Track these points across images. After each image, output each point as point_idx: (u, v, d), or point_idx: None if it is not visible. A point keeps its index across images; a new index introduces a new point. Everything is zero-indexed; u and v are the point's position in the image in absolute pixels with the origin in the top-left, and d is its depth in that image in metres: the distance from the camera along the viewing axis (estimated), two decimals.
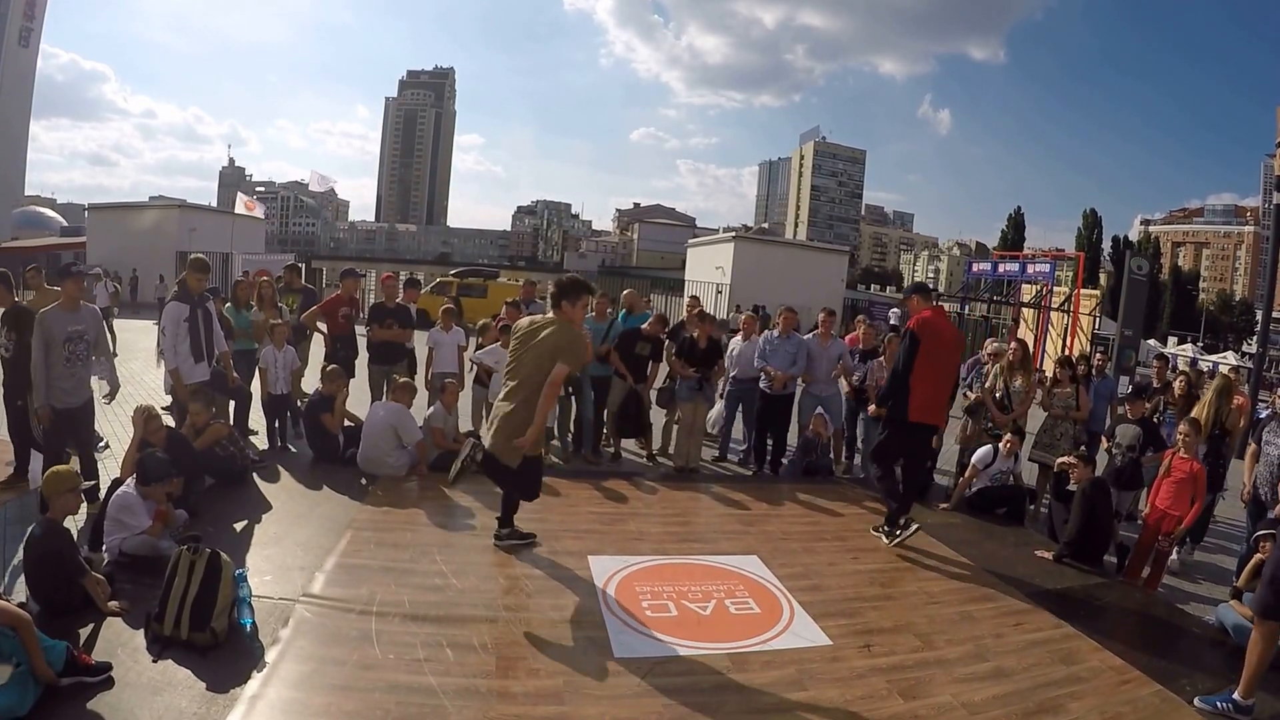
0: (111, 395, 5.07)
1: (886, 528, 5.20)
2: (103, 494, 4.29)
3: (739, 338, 7.23)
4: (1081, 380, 6.73)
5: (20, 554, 3.54)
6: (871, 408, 5.32)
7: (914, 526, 5.09)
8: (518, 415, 4.07)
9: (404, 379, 6.24)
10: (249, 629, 3.25)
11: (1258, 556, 4.28)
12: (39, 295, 6.21)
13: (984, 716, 3.08)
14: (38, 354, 4.48)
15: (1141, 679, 3.51)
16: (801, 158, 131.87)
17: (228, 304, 6.95)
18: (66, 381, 4.56)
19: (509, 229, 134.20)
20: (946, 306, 29.44)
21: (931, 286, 6.90)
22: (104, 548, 3.87)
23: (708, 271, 27.99)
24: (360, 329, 7.31)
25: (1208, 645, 4.08)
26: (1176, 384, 6.75)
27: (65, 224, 46.77)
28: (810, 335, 7.17)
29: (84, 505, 4.13)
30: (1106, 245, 75.15)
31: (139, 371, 10.11)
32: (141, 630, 3.16)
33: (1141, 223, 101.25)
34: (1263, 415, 6.67)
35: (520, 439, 4.04)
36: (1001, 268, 26.40)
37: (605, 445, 7.14)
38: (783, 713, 3.01)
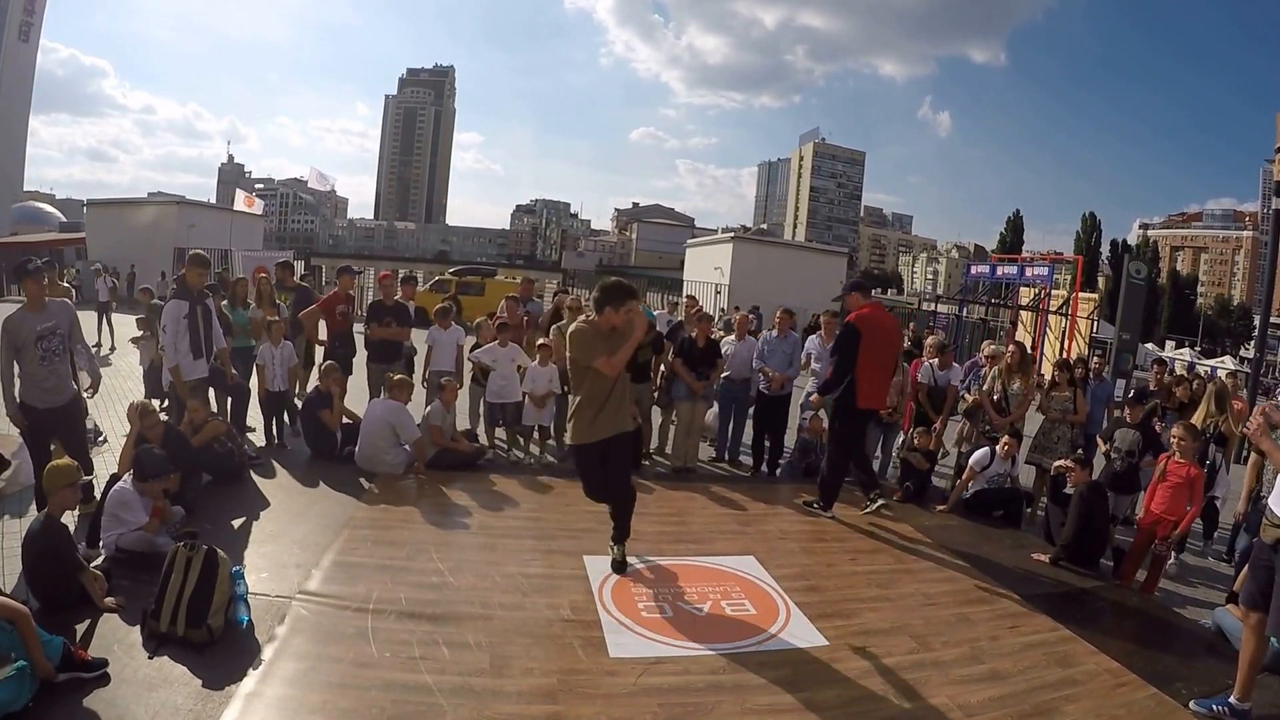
0: (94, 387, 4.94)
1: (870, 501, 5.63)
2: (99, 490, 4.28)
3: (731, 337, 7.23)
4: (1079, 383, 6.74)
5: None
6: (813, 396, 5.83)
7: (880, 502, 5.52)
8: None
9: (399, 376, 6.22)
10: (245, 626, 3.26)
11: None
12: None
13: (980, 718, 3.09)
14: (4, 360, 4.33)
15: (1137, 682, 3.51)
16: (801, 159, 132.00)
17: (225, 301, 6.94)
18: (48, 380, 4.41)
19: (508, 228, 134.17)
20: (944, 309, 29.59)
21: (872, 285, 7.29)
22: (101, 543, 3.87)
23: (706, 272, 27.95)
24: (359, 327, 7.31)
25: (1204, 649, 4.08)
26: (1179, 390, 6.74)
27: (64, 219, 46.82)
28: (813, 337, 7.18)
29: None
30: (1105, 249, 75.50)
31: (136, 365, 10.07)
32: (138, 626, 3.16)
33: (1140, 226, 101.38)
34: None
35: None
36: (1000, 270, 26.46)
37: None
38: (778, 714, 3.01)
